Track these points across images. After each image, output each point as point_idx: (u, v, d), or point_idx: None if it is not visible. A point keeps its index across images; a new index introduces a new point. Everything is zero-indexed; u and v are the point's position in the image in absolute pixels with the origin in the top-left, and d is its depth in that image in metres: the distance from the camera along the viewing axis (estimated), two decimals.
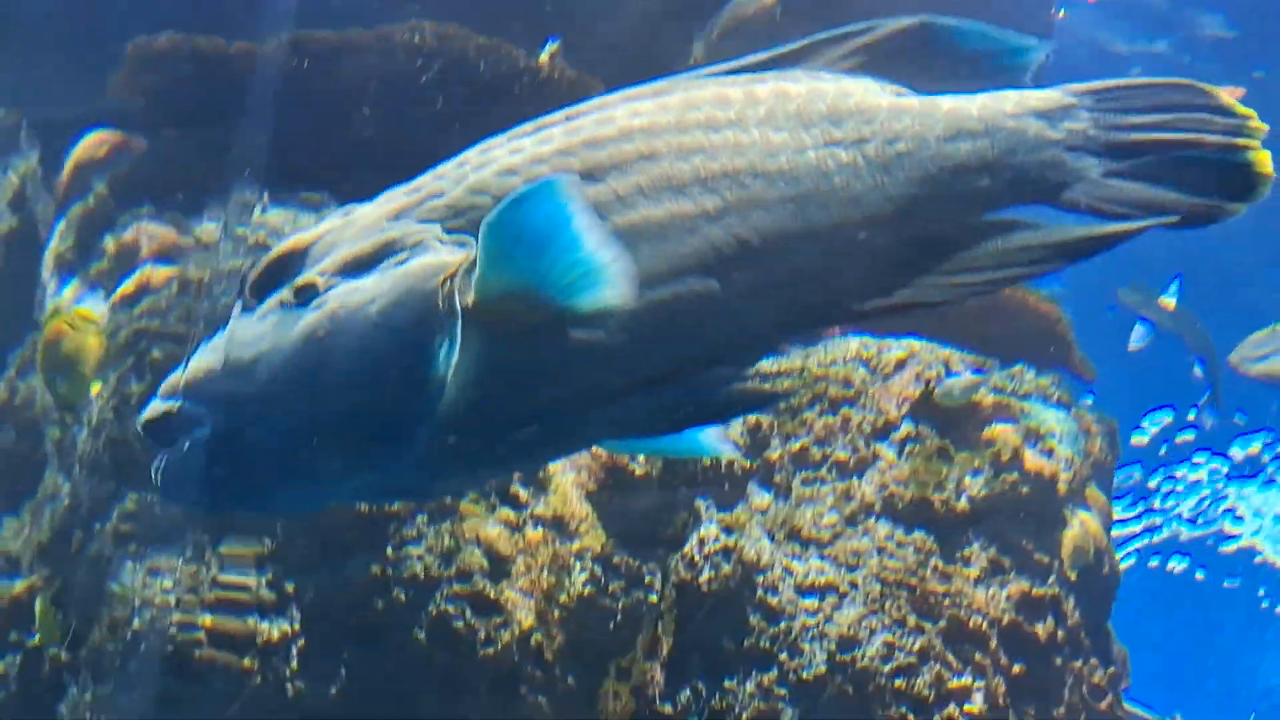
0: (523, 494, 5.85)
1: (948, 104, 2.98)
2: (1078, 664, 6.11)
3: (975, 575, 5.95)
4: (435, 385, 2.70)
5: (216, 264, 6.20)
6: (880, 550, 5.98)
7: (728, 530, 6.13)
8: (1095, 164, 2.96)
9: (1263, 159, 2.93)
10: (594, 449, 6.04)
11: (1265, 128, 2.95)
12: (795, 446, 6.26)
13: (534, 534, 5.80)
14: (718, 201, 2.82)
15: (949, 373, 6.25)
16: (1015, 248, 2.92)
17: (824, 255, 2.85)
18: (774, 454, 6.27)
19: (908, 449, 6.18)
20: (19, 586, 6.36)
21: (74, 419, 6.45)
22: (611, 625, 5.90)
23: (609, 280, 2.66)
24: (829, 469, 6.19)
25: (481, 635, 5.53)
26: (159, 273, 6.28)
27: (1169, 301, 11.36)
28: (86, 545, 6.02)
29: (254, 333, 2.79)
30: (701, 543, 6.13)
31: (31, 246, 7.39)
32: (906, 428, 6.21)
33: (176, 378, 2.81)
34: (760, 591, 5.94)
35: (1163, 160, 2.95)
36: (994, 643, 5.83)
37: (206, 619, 5.59)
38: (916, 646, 5.74)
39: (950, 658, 5.74)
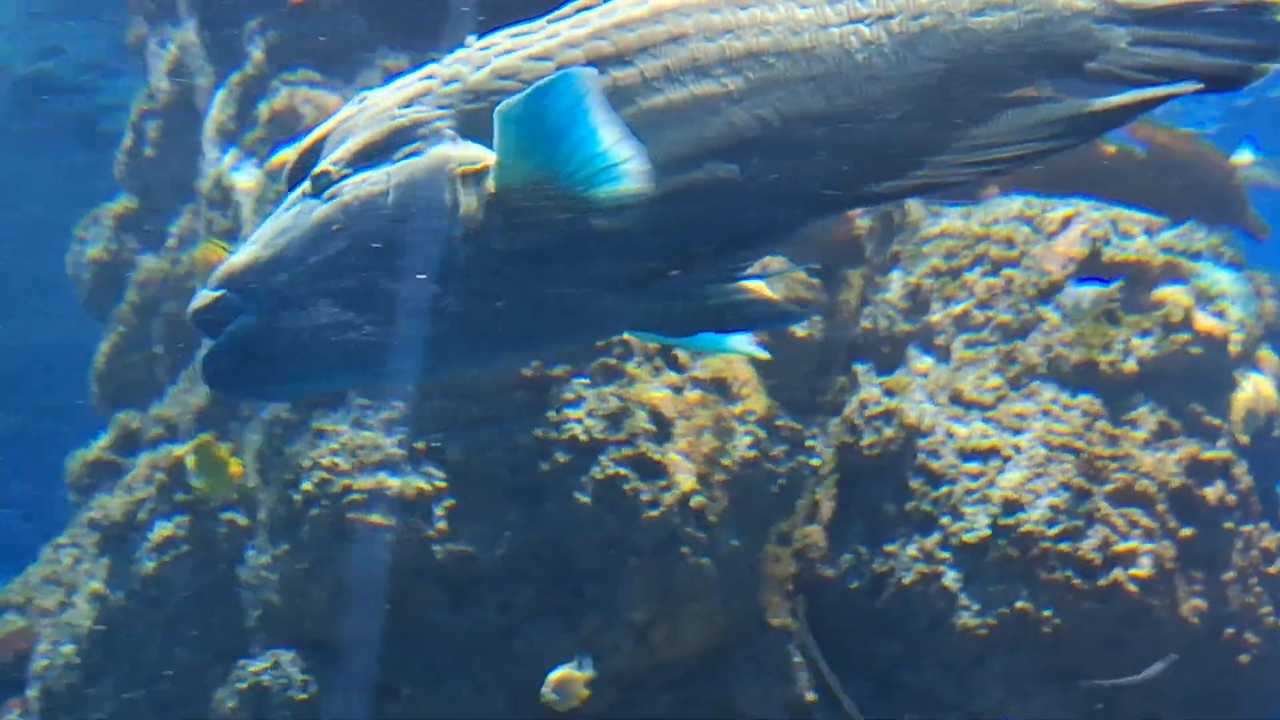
0: (683, 357, 5.84)
1: None
2: (1248, 528, 5.99)
3: (1143, 438, 5.84)
4: (451, 273, 2.76)
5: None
6: (1045, 413, 5.89)
7: (889, 393, 6.08)
8: (1123, 32, 2.90)
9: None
10: None
11: None
12: (957, 309, 6.17)
13: (696, 396, 5.79)
14: (740, 82, 2.81)
15: (1081, 281, 6.08)
16: (1037, 122, 2.89)
17: (845, 134, 2.83)
18: (935, 317, 6.19)
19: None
20: (180, 450, 6.49)
21: None
22: (773, 489, 5.90)
23: (626, 173, 2.68)
24: (991, 331, 6.09)
25: (645, 497, 5.56)
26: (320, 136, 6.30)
27: None
28: (259, 410, 6.12)
29: (282, 224, 2.85)
30: (862, 406, 6.09)
31: (191, 115, 7.45)
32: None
33: (223, 268, 2.88)
34: (922, 455, 5.90)
35: (1192, 22, 2.90)
36: (1162, 506, 5.73)
37: (366, 481, 5.68)
38: (1082, 510, 5.67)
39: (1117, 521, 5.66)
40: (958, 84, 2.87)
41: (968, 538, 5.73)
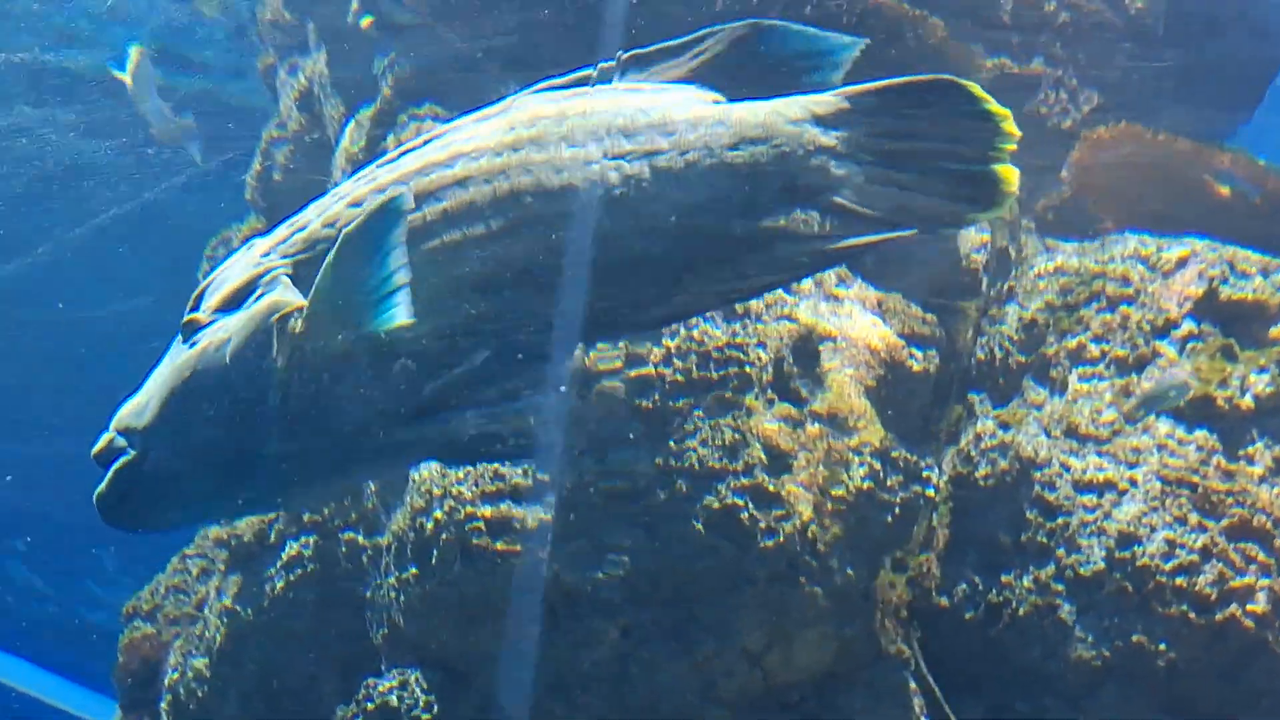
0: (802, 390, 5.94)
1: (740, 111, 3.09)
2: None
3: (1259, 474, 5.87)
4: (278, 410, 3.01)
5: None
6: (1160, 447, 5.94)
7: (1004, 426, 6.15)
8: (858, 171, 3.04)
9: (1008, 174, 3.07)
10: (871, 343, 6.10)
11: (1018, 134, 3.09)
12: (1072, 343, 6.23)
13: (812, 429, 5.89)
14: (502, 222, 3.01)
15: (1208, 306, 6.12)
16: (780, 256, 3.03)
17: (601, 266, 2.99)
18: (1050, 350, 6.26)
19: (1189, 346, 6.10)
20: None
21: None
22: (888, 518, 5.98)
23: (396, 306, 2.90)
24: (1107, 365, 6.15)
25: (763, 526, 5.66)
26: None
27: None
28: None
29: (160, 369, 3.17)
30: (978, 438, 6.16)
31: (318, 143, 7.66)
32: (1188, 326, 6.13)
33: (118, 412, 3.20)
34: (1037, 487, 5.96)
35: (921, 165, 3.03)
36: (1279, 542, 5.76)
37: (486, 510, 5.81)
38: (1198, 544, 5.71)
39: (1233, 556, 5.70)
40: (716, 214, 3.04)
41: (1083, 570, 5.79)
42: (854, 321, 6.18)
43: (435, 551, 5.80)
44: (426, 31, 7.03)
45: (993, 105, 3.09)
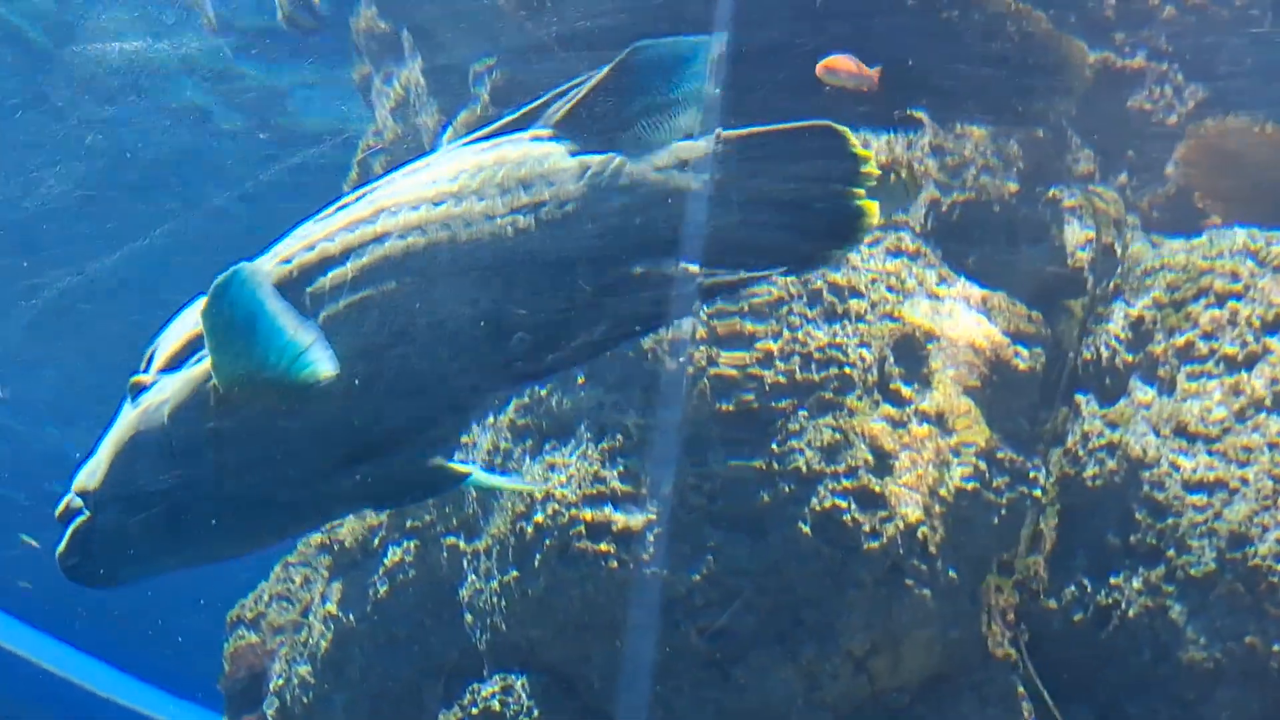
0: (905, 390, 5.88)
1: (615, 161, 3.20)
2: None
3: None
4: (215, 469, 3.13)
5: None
6: (1272, 446, 5.81)
7: (1111, 425, 6.05)
8: (728, 214, 3.13)
9: (869, 208, 3.14)
10: (975, 342, 6.03)
11: (876, 173, 3.17)
12: (1180, 340, 6.11)
13: (917, 429, 5.82)
14: (414, 278, 3.11)
15: None
16: (646, 303, 3.14)
17: (498, 319, 3.10)
18: (1157, 348, 6.14)
19: None
20: None
21: None
22: (994, 520, 5.90)
23: (314, 359, 3.02)
24: (1216, 363, 6.03)
25: (867, 528, 5.61)
26: None
27: None
28: (479, 437, 6.28)
29: (111, 430, 3.28)
30: (1085, 438, 6.07)
31: (415, 152, 7.67)
32: None
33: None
34: (1146, 487, 5.85)
35: (790, 207, 3.13)
36: None
37: (588, 513, 5.79)
38: None
39: None
40: (594, 264, 3.14)
41: (1194, 571, 5.67)
42: (957, 320, 6.11)
43: (537, 555, 5.79)
44: (521, 31, 7.03)
45: (856, 146, 3.20)
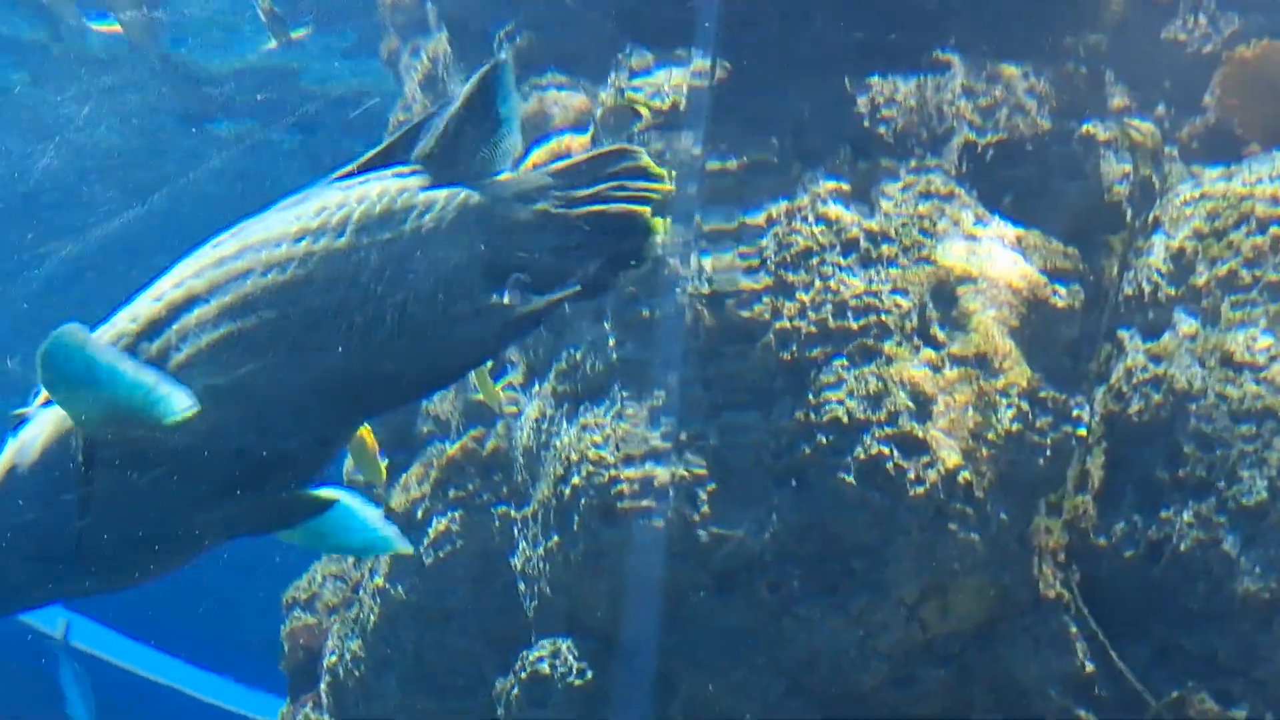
0: (943, 334, 5.81)
1: (463, 196, 3.33)
2: None
3: None
4: (83, 502, 3.20)
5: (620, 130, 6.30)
6: None
7: (1155, 359, 5.95)
8: (548, 240, 3.31)
9: (656, 224, 3.34)
10: (1012, 281, 5.95)
11: (670, 188, 3.43)
12: (1222, 270, 6.01)
13: (957, 373, 5.76)
14: (271, 314, 3.20)
15: None
16: (474, 336, 3.29)
17: (354, 354, 3.22)
18: (1199, 279, 6.04)
19: None
20: (453, 449, 6.69)
21: None
22: (1040, 461, 5.83)
23: (165, 396, 3.11)
24: (1260, 291, 5.93)
25: (911, 475, 5.55)
26: (576, 141, 6.42)
27: None
28: (525, 406, 6.27)
29: None
30: (1129, 373, 5.98)
31: None
32: None
33: None
34: (1193, 420, 5.76)
35: (596, 228, 3.33)
36: None
37: (627, 471, 5.77)
38: None
39: None
40: (426, 303, 3.26)
41: (1246, 502, 5.59)
42: (994, 261, 6.03)
43: (577, 517, 5.77)
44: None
45: (648, 162, 3.41)
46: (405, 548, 3.63)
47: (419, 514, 6.76)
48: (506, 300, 3.30)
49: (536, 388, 6.23)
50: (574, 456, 5.79)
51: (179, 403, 3.13)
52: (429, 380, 3.41)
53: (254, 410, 3.22)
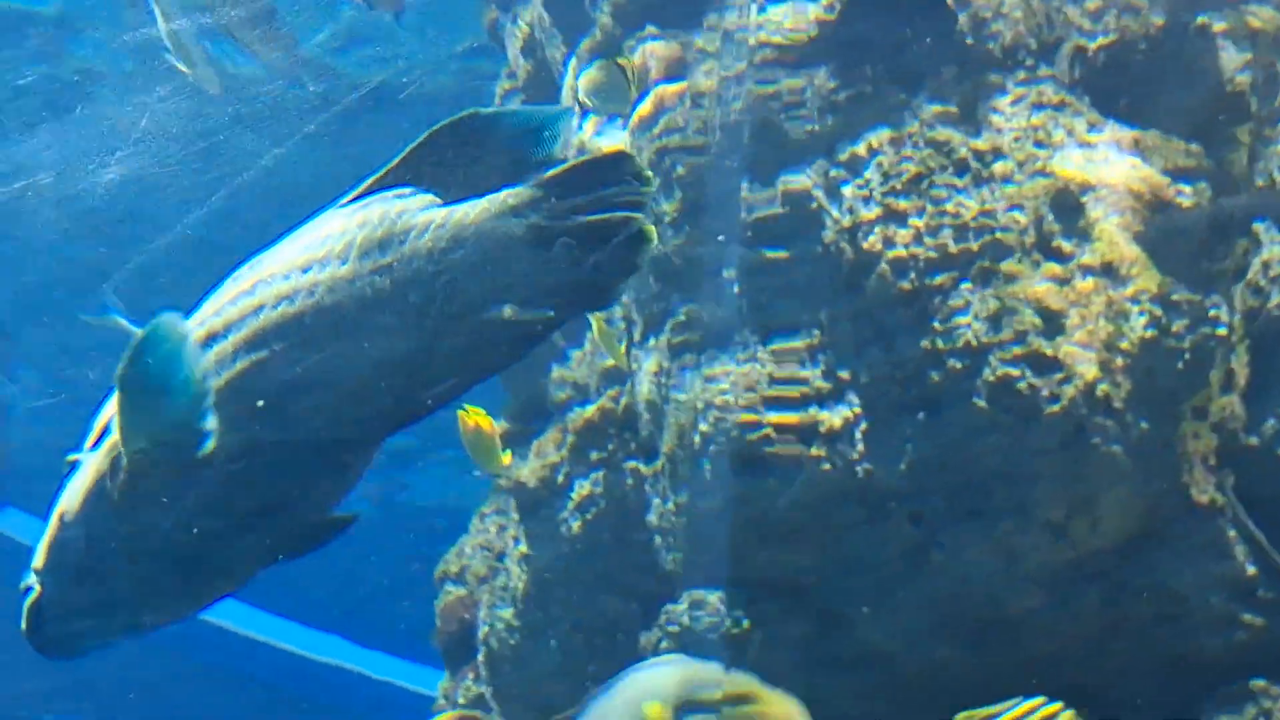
0: (1066, 246, 5.67)
1: (460, 213, 3.32)
2: None
3: None
4: (125, 541, 3.33)
5: (721, 70, 6.24)
6: None
7: None
8: (544, 254, 3.28)
9: (649, 231, 3.30)
10: (1132, 185, 5.79)
11: (652, 189, 3.36)
12: None
13: (1084, 285, 5.61)
14: (286, 345, 3.26)
15: None
16: (481, 354, 3.34)
17: (376, 374, 3.27)
18: None
19: None
20: (590, 411, 6.69)
21: None
22: (1179, 365, 5.67)
23: (207, 433, 3.23)
24: None
25: (1045, 393, 5.43)
26: (670, 90, 6.37)
27: None
28: (643, 360, 6.25)
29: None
30: (1265, 266, 5.79)
31: (549, 88, 7.65)
32: None
33: None
34: None
35: (589, 238, 3.28)
36: None
37: (770, 415, 5.72)
38: None
39: None
40: (447, 319, 3.28)
41: None
42: (1112, 166, 5.87)
43: (708, 465, 5.74)
44: None
45: (641, 167, 3.37)
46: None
47: (559, 479, 6.78)
48: (507, 314, 3.32)
49: (652, 341, 6.22)
50: (699, 405, 5.76)
51: (210, 436, 3.26)
52: (437, 399, 3.40)
53: (271, 440, 3.30)
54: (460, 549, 8.08)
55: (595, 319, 6.64)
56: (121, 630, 3.53)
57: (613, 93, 6.09)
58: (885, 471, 5.64)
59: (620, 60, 6.12)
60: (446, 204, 3.35)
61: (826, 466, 5.65)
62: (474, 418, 6.50)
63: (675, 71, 6.37)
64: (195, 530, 3.34)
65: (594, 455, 6.67)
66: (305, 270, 3.32)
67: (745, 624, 5.88)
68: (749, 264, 5.90)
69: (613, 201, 3.32)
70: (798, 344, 5.83)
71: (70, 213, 10.14)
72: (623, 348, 6.51)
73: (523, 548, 6.88)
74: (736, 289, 5.97)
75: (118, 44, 9.80)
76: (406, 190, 3.42)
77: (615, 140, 6.74)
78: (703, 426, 5.74)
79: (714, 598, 5.92)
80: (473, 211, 3.32)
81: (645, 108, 6.42)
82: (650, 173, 3.38)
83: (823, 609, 5.87)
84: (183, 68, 7.50)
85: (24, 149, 9.91)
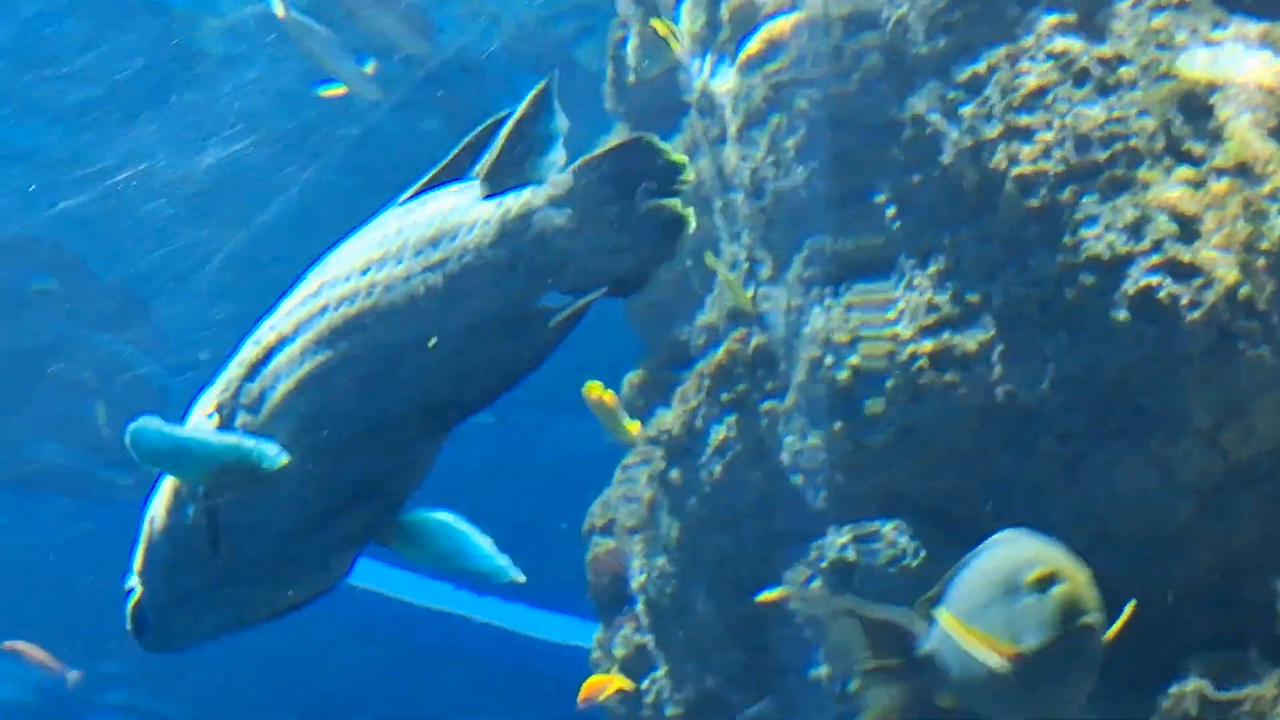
0: (1197, 148, 5.55)
1: (505, 207, 3.38)
2: None
3: None
4: (210, 545, 3.48)
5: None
6: None
7: None
8: (579, 242, 3.34)
9: (687, 213, 3.34)
10: (1263, 81, 5.64)
11: (691, 178, 3.36)
12: None
13: (1219, 186, 5.49)
14: (348, 345, 3.37)
15: None
16: (531, 343, 3.38)
17: (421, 380, 3.37)
18: None
19: None
20: (720, 353, 6.69)
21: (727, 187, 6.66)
22: None
23: (256, 449, 3.38)
24: None
25: (1185, 301, 5.32)
26: (783, 24, 6.32)
27: None
28: (773, 298, 6.23)
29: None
30: None
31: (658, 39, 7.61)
32: None
33: None
34: None
35: (623, 224, 3.33)
36: None
37: (906, 344, 5.69)
38: None
39: None
40: (493, 310, 3.35)
41: None
42: (1240, 63, 5.72)
43: (840, 397, 5.71)
44: None
45: (671, 153, 3.39)
46: (518, 576, 3.78)
47: (697, 423, 6.79)
48: (551, 307, 3.39)
49: (781, 278, 6.19)
50: (840, 337, 5.73)
51: (270, 452, 3.39)
52: (493, 391, 3.48)
53: (338, 441, 3.42)
54: (605, 501, 8.14)
55: (719, 265, 6.62)
56: (221, 627, 3.68)
57: (654, 52, 6.07)
58: (1027, 392, 5.58)
59: (656, 23, 6.10)
60: (495, 195, 3.42)
61: (964, 391, 5.60)
62: (596, 392, 6.59)
63: (786, 4, 6.31)
64: (279, 529, 3.49)
65: (725, 398, 6.68)
66: (364, 272, 3.42)
67: (921, 555, 5.85)
68: (879, 193, 5.86)
69: (648, 189, 3.35)
70: (928, 270, 5.78)
71: (178, 197, 10.29)
72: (750, 292, 6.49)
73: (670, 496, 6.91)
74: (860, 221, 5.95)
75: (220, 24, 9.90)
76: (460, 185, 3.51)
77: (726, 81, 6.71)
78: (831, 359, 5.71)
79: (873, 529, 5.89)
80: (515, 205, 3.39)
81: (755, 44, 6.38)
82: (684, 158, 3.40)
83: (976, 534, 5.83)
84: (341, 85, 7.60)
85: (131, 137, 10.06)
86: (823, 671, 6.25)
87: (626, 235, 3.36)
